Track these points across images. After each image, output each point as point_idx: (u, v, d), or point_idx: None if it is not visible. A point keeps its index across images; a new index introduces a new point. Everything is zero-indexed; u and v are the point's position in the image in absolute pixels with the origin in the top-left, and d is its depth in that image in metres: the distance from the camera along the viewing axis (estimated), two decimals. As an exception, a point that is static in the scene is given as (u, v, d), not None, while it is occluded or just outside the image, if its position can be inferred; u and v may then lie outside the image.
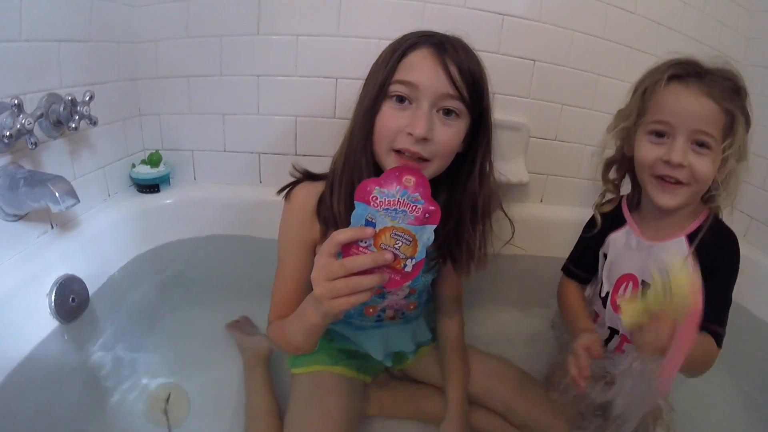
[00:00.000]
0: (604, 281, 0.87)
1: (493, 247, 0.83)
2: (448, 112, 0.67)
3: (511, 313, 1.25)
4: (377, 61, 0.71)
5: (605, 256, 0.89)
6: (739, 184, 0.76)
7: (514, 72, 1.21)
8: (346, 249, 0.55)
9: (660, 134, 0.74)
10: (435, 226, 0.55)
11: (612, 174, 0.91)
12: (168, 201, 1.16)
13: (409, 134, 0.64)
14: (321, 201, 0.73)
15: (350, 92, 1.11)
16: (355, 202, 0.54)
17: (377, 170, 0.70)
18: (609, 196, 0.92)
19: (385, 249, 0.54)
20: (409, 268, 0.55)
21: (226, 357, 1.00)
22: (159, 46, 1.15)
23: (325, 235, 0.71)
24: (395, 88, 0.66)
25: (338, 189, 0.71)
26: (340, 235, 0.54)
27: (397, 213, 0.54)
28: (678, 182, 0.72)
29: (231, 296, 1.17)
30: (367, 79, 0.72)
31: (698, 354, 0.64)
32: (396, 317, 0.86)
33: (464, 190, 0.74)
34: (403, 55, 0.66)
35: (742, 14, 1.46)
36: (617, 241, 0.86)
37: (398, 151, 0.67)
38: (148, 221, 1.13)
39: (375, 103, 0.67)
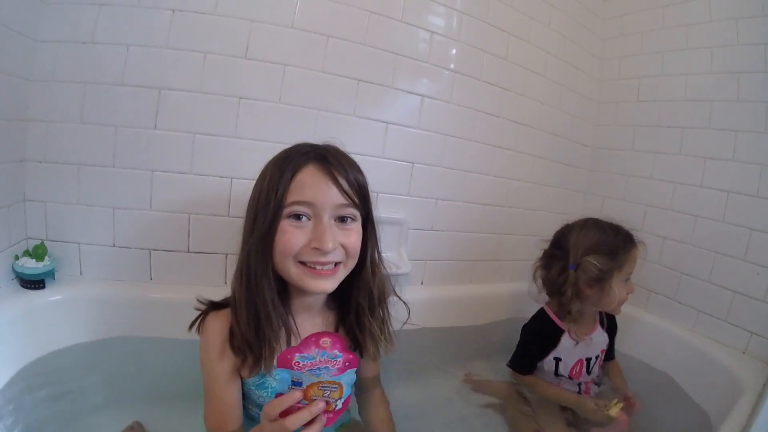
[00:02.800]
0: (561, 370, 1.18)
1: (393, 327, 0.89)
2: (344, 219, 0.72)
3: (418, 382, 1.33)
4: (265, 181, 0.72)
5: (558, 359, 1.18)
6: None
7: (396, 173, 1.38)
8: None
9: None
10: (356, 368, 0.64)
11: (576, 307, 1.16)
12: (55, 298, 1.07)
13: (316, 249, 0.69)
14: (232, 332, 0.73)
15: (245, 192, 1.18)
16: (278, 368, 0.61)
17: (281, 285, 0.74)
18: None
19: (315, 399, 0.61)
20: (339, 406, 0.63)
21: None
22: (51, 128, 1.08)
23: (243, 360, 0.73)
24: (293, 209, 0.69)
25: (244, 317, 0.71)
26: (276, 409, 0.61)
27: (320, 370, 0.62)
28: None
29: (124, 402, 1.07)
30: (255, 199, 0.73)
31: None
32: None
33: (359, 282, 0.78)
34: (292, 176, 0.69)
35: (591, 106, 1.85)
36: (565, 346, 1.17)
37: (302, 263, 0.70)
38: (35, 322, 1.03)
39: (272, 225, 0.69)
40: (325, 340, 0.63)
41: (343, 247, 0.72)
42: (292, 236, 0.69)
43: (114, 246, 1.17)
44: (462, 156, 1.50)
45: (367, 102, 1.31)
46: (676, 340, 1.45)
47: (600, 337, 1.23)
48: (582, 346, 1.18)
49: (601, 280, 1.11)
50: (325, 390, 0.62)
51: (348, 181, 0.71)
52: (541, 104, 1.69)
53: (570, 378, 1.19)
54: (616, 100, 1.84)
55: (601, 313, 1.23)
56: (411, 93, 1.37)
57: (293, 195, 0.69)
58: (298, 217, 0.70)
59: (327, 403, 0.62)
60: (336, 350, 0.63)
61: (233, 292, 0.75)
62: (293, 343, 0.74)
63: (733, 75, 1.46)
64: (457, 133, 1.47)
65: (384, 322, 0.84)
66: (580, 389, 1.21)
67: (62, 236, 1.15)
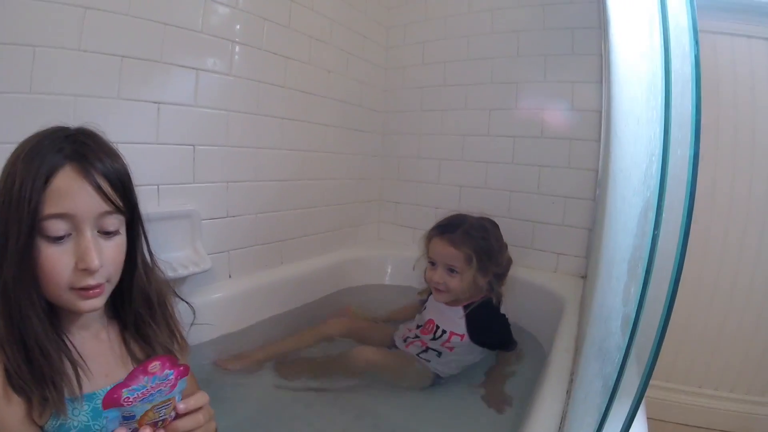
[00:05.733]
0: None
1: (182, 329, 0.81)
2: (108, 232, 0.63)
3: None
4: (12, 184, 0.58)
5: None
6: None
7: (177, 159, 1.23)
8: None
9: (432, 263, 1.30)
10: (186, 375, 0.56)
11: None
12: None
13: (83, 270, 0.59)
14: (7, 374, 0.59)
15: None
16: (104, 411, 0.50)
17: (54, 312, 0.63)
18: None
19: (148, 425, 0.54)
20: (173, 416, 0.56)
21: None
22: None
23: (28, 404, 0.59)
24: (51, 225, 0.58)
25: (14, 355, 0.59)
26: None
27: (153, 396, 0.53)
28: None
29: None
30: (2, 208, 0.58)
31: None
32: None
33: (133, 289, 0.70)
34: (46, 182, 0.57)
35: (379, 72, 1.92)
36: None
37: (80, 288, 0.60)
38: None
39: (28, 245, 0.57)
40: (154, 365, 0.54)
41: (109, 263, 0.62)
42: (56, 260, 0.58)
43: None
44: (250, 132, 1.42)
45: (134, 81, 1.13)
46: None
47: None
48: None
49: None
50: (159, 410, 0.54)
51: (111, 181, 0.62)
52: (329, 72, 1.69)
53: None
54: (403, 65, 1.97)
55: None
56: (185, 67, 1.23)
57: (49, 206, 0.57)
58: (57, 234, 0.58)
59: (164, 421, 0.55)
60: (166, 369, 0.54)
61: None
62: (82, 373, 0.63)
63: (513, 33, 1.67)
64: (241, 108, 1.38)
65: (170, 326, 0.76)
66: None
67: None
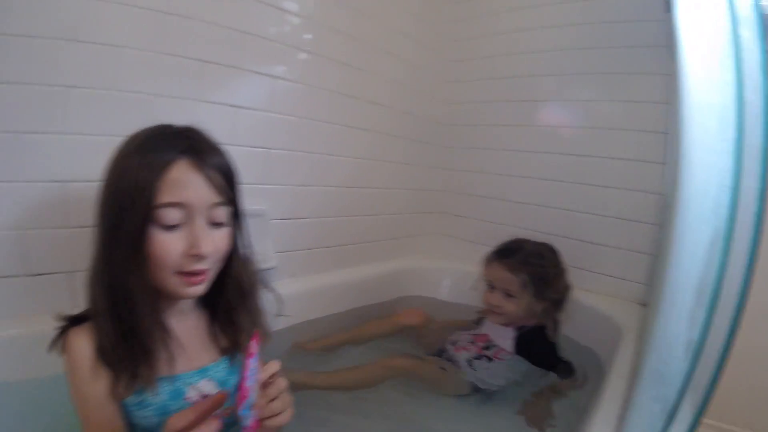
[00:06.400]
0: None
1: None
2: (216, 222, 0.66)
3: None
4: (124, 178, 0.62)
5: None
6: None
7: (251, 161, 1.30)
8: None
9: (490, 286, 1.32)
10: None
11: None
12: None
13: (192, 255, 0.63)
14: (99, 347, 0.65)
15: (81, 195, 1.03)
16: (241, 411, 0.53)
17: (155, 296, 0.67)
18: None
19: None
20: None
21: None
22: None
23: (116, 378, 0.65)
24: (166, 214, 0.61)
25: (113, 331, 0.64)
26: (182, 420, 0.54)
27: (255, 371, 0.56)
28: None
29: None
30: (114, 200, 0.63)
31: None
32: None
33: (228, 278, 0.73)
34: (162, 173, 0.61)
35: (443, 85, 1.97)
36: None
37: (180, 272, 0.64)
38: None
39: (142, 232, 0.61)
40: (252, 345, 0.57)
41: (216, 251, 0.67)
42: (168, 246, 0.62)
43: None
44: (319, 139, 1.49)
45: (214, 85, 1.21)
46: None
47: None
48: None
49: None
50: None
51: (221, 176, 0.66)
52: (395, 83, 1.74)
53: None
54: (468, 79, 1.99)
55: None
56: (262, 74, 1.31)
57: (165, 195, 0.61)
58: (171, 222, 0.62)
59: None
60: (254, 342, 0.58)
61: (93, 303, 0.66)
62: (172, 352, 0.68)
63: (579, 51, 1.68)
64: (311, 115, 1.45)
65: (257, 315, 0.79)
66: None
67: None
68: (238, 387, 0.53)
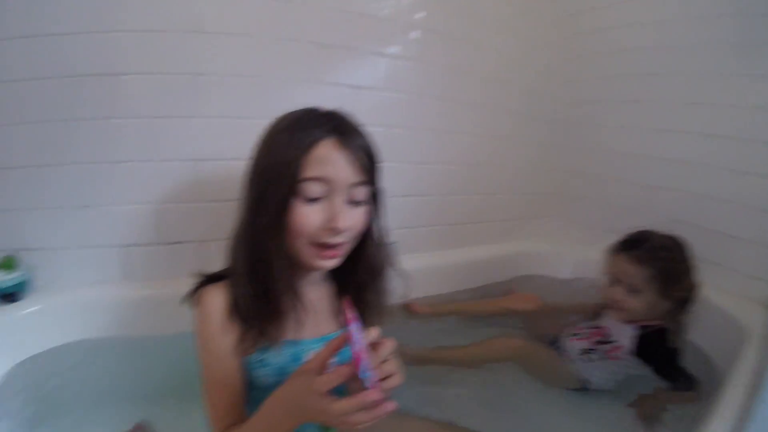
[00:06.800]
0: None
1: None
2: (355, 199, 0.69)
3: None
4: (272, 153, 0.68)
5: None
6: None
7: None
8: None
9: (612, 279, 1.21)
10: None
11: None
12: (32, 309, 1.03)
13: (329, 229, 0.66)
14: (232, 303, 0.71)
15: (212, 174, 1.15)
16: (361, 373, 0.54)
17: (290, 263, 0.71)
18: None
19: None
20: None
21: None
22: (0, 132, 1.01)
23: (244, 334, 0.71)
24: (309, 187, 0.65)
25: (250, 291, 0.70)
26: (332, 382, 0.56)
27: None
28: None
29: (118, 403, 1.06)
30: (262, 172, 0.69)
31: None
32: None
33: (363, 256, 0.76)
34: (308, 150, 0.65)
35: (563, 59, 1.82)
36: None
37: (314, 243, 0.68)
38: (13, 335, 1.00)
39: (285, 202, 0.66)
40: (351, 310, 0.58)
41: (352, 227, 0.70)
42: (308, 217, 0.66)
43: (86, 247, 1.12)
44: (439, 116, 1.48)
45: (332, 67, 1.26)
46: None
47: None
48: None
49: None
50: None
51: (364, 157, 0.68)
52: (513, 59, 1.65)
53: None
54: (589, 53, 1.80)
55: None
56: (378, 54, 1.33)
57: (309, 170, 0.65)
58: (313, 195, 0.66)
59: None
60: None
61: (233, 264, 0.72)
62: (300, 318, 0.73)
63: (715, 19, 1.41)
64: (430, 92, 1.44)
65: (382, 295, 0.82)
66: None
67: (31, 244, 1.08)
68: (352, 353, 0.54)
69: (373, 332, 0.59)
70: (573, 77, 1.84)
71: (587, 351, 1.22)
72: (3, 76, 1.01)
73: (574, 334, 1.28)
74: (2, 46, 0.99)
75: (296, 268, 0.73)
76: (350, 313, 0.57)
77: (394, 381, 0.57)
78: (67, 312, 1.08)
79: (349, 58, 1.28)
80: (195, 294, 0.75)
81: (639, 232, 1.22)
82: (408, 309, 1.39)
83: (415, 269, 1.38)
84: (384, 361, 0.58)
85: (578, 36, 1.82)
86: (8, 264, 1.04)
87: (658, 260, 1.13)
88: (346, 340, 0.56)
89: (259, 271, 0.69)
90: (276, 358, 0.73)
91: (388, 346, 0.59)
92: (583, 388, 1.21)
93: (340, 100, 1.21)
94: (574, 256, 1.74)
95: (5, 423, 0.90)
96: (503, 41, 1.60)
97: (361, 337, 0.55)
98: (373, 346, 0.58)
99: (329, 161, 0.66)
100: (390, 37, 1.34)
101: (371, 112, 1.27)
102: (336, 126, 0.68)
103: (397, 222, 1.35)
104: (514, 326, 1.44)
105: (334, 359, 0.59)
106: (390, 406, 0.54)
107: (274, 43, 1.18)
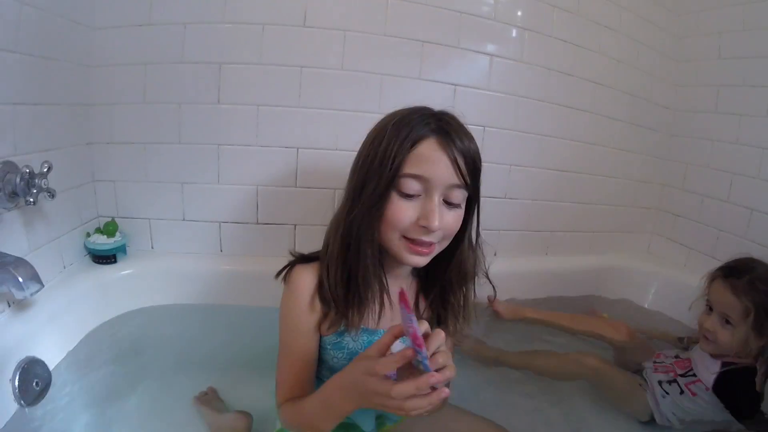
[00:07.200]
0: None
1: (474, 309, 0.84)
2: (451, 202, 0.68)
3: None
4: (380, 145, 0.68)
5: None
6: None
7: None
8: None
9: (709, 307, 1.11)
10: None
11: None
12: (126, 272, 1.12)
13: (422, 226, 0.66)
14: (321, 284, 0.73)
15: (311, 161, 1.19)
16: (419, 352, 0.53)
17: (380, 254, 0.72)
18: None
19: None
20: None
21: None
22: (115, 110, 1.13)
23: (326, 315, 0.73)
24: (407, 183, 0.66)
25: (339, 274, 0.71)
26: (391, 366, 0.55)
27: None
28: None
29: (194, 367, 1.12)
30: (367, 162, 0.69)
31: None
32: None
33: (453, 259, 0.75)
34: (412, 146, 0.66)
35: (669, 64, 1.69)
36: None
37: (405, 237, 0.68)
38: (106, 294, 1.08)
39: (384, 194, 0.67)
40: (405, 298, 0.56)
41: (444, 228, 0.68)
42: (402, 211, 0.67)
43: (184, 220, 1.21)
44: (536, 118, 1.42)
45: (433, 64, 1.25)
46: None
47: None
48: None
49: None
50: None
51: (466, 160, 0.67)
52: (617, 62, 1.56)
53: None
54: (696, 58, 1.66)
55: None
56: (479, 53, 1.30)
57: (409, 167, 0.66)
58: (410, 192, 0.67)
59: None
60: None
61: (327, 247, 0.74)
62: (382, 308, 0.74)
63: None
64: (529, 93, 1.38)
65: (467, 300, 0.81)
66: None
67: (132, 213, 1.19)
68: (411, 339, 0.54)
69: (425, 325, 0.58)
70: (682, 82, 1.71)
71: (665, 383, 1.14)
72: (119, 60, 1.11)
73: (656, 362, 1.20)
74: (121, 32, 1.10)
75: (386, 259, 0.74)
76: (405, 304, 0.55)
77: (447, 373, 0.56)
78: (158, 278, 1.16)
79: (449, 55, 1.27)
80: (288, 271, 0.77)
81: (744, 259, 1.11)
82: (492, 308, 1.35)
83: (501, 272, 1.33)
84: (435, 353, 0.56)
85: (686, 38, 1.70)
86: (110, 229, 1.12)
87: (759, 293, 1.02)
88: (405, 329, 0.56)
89: (350, 257, 0.71)
90: (351, 343, 0.75)
91: (440, 337, 0.57)
92: (652, 421, 1.13)
93: (441, 96, 1.25)
94: (663, 275, 1.63)
95: (89, 378, 0.97)
96: (608, 42, 1.52)
97: (417, 326, 0.53)
98: (425, 337, 0.56)
99: (430, 160, 0.66)
100: (489, 36, 1.31)
101: (469, 111, 1.22)
102: (442, 126, 0.67)
103: (488, 223, 1.31)
104: (601, 347, 1.36)
105: (395, 346, 0.59)
106: (446, 391, 0.54)
107: (376, 39, 1.20)
